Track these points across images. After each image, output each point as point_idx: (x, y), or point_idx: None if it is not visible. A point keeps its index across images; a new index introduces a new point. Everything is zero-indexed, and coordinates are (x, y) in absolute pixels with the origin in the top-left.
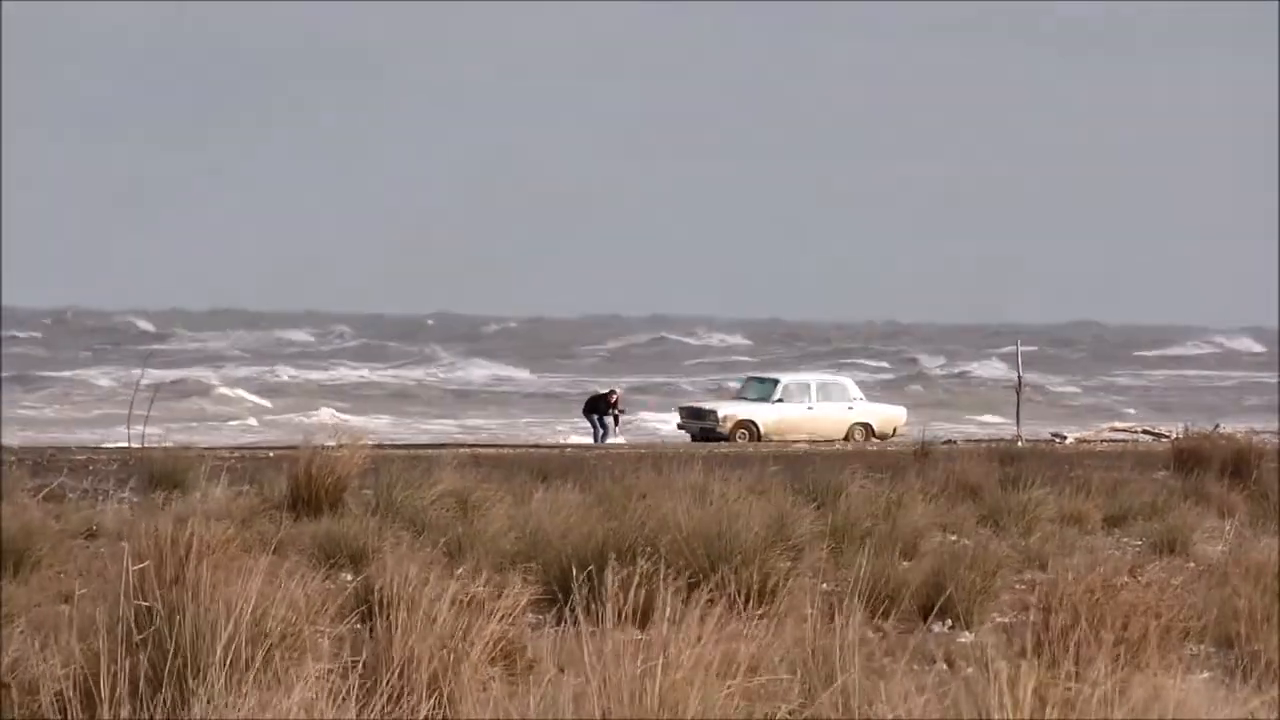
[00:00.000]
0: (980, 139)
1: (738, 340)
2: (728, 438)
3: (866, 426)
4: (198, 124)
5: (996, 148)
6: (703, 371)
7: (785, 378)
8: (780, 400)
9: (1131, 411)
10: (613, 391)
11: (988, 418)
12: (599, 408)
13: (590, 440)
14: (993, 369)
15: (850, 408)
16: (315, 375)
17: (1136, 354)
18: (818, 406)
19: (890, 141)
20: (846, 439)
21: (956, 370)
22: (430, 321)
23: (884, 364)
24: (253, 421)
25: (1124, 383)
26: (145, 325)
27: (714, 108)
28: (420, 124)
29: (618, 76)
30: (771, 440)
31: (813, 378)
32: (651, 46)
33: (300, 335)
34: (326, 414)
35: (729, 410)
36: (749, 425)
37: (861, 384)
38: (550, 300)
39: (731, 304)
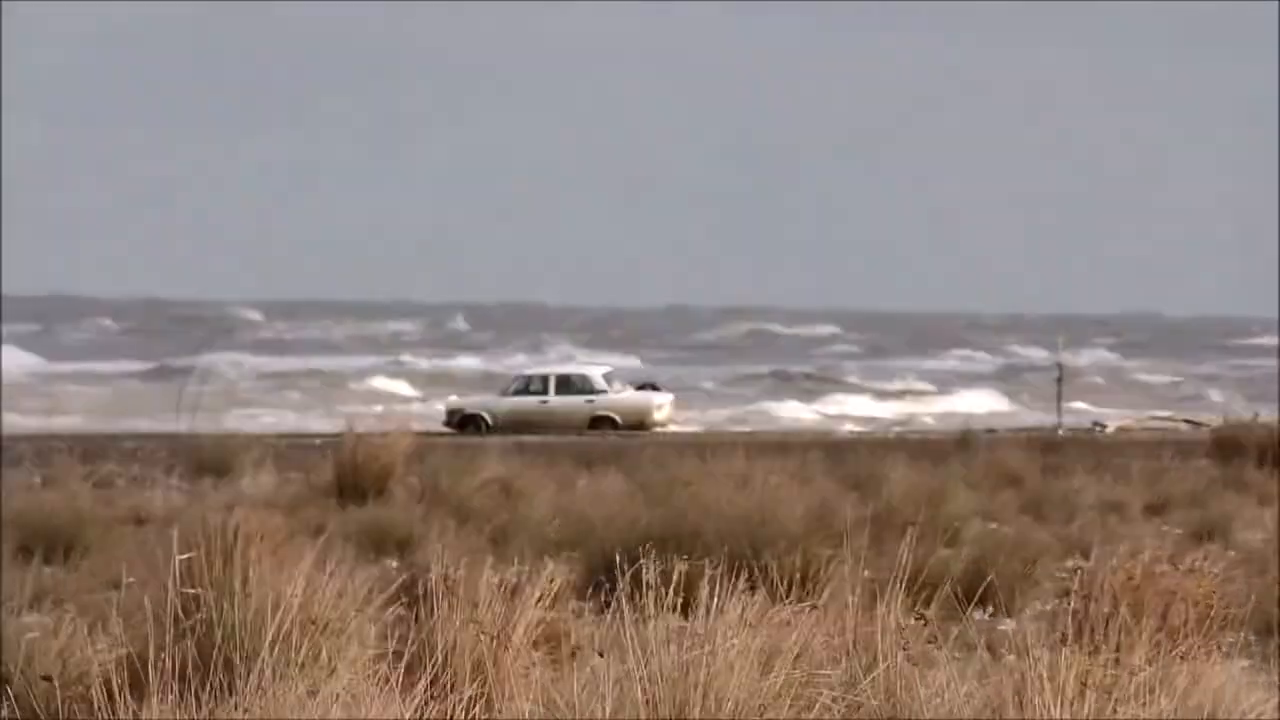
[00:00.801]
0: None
1: (831, 330)
2: (457, 428)
3: (609, 418)
4: (246, 112)
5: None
6: (796, 362)
7: (528, 371)
8: (516, 393)
9: (1218, 399)
10: (655, 385)
11: (1078, 404)
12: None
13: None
14: (1089, 357)
15: (590, 400)
16: (455, 364)
17: (1220, 342)
18: (554, 399)
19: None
20: (593, 427)
21: (1047, 360)
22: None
23: (981, 354)
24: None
25: (1211, 371)
26: (253, 315)
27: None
28: (483, 115)
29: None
30: (506, 432)
31: (553, 370)
32: (739, 43)
33: (408, 325)
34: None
35: (456, 402)
36: (476, 418)
37: (931, 373)
38: (624, 290)
39: (825, 295)
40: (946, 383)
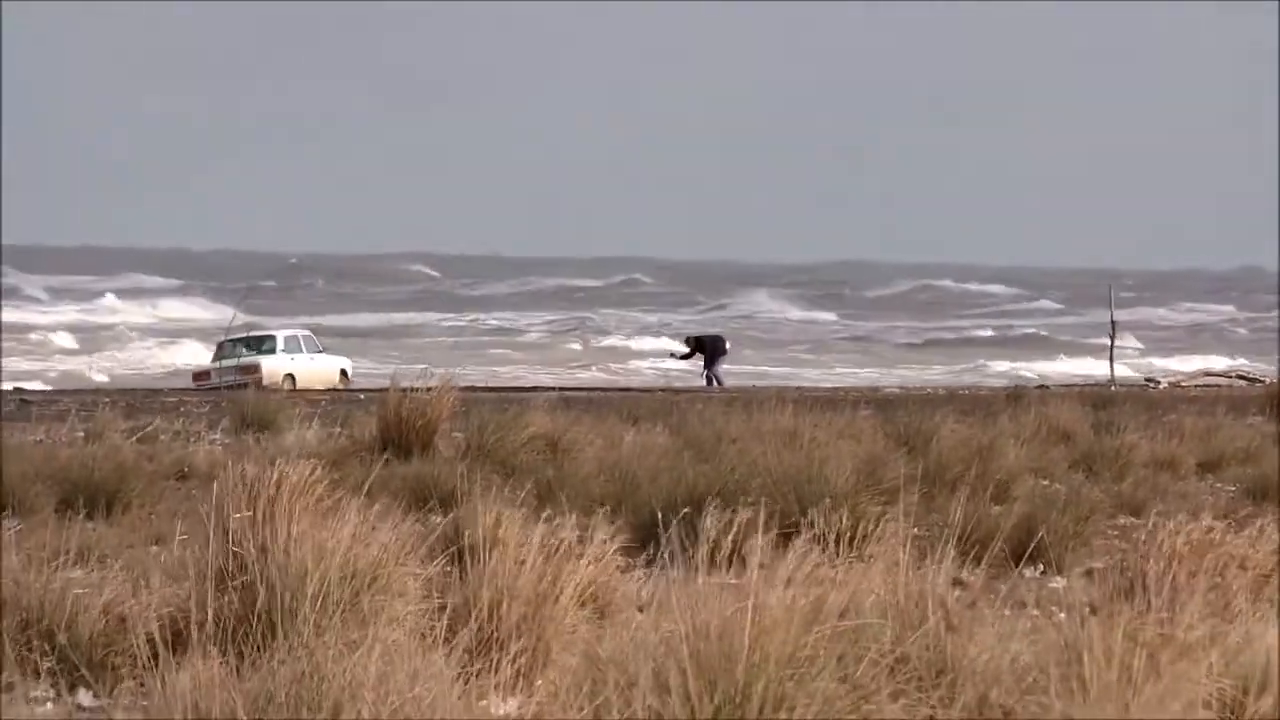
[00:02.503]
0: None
1: (1002, 288)
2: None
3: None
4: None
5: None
6: (970, 319)
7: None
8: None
9: None
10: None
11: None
12: (714, 349)
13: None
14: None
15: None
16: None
17: None
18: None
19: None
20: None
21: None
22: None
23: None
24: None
25: None
26: (430, 271)
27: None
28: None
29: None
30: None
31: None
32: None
33: (591, 282)
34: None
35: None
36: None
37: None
38: (815, 247)
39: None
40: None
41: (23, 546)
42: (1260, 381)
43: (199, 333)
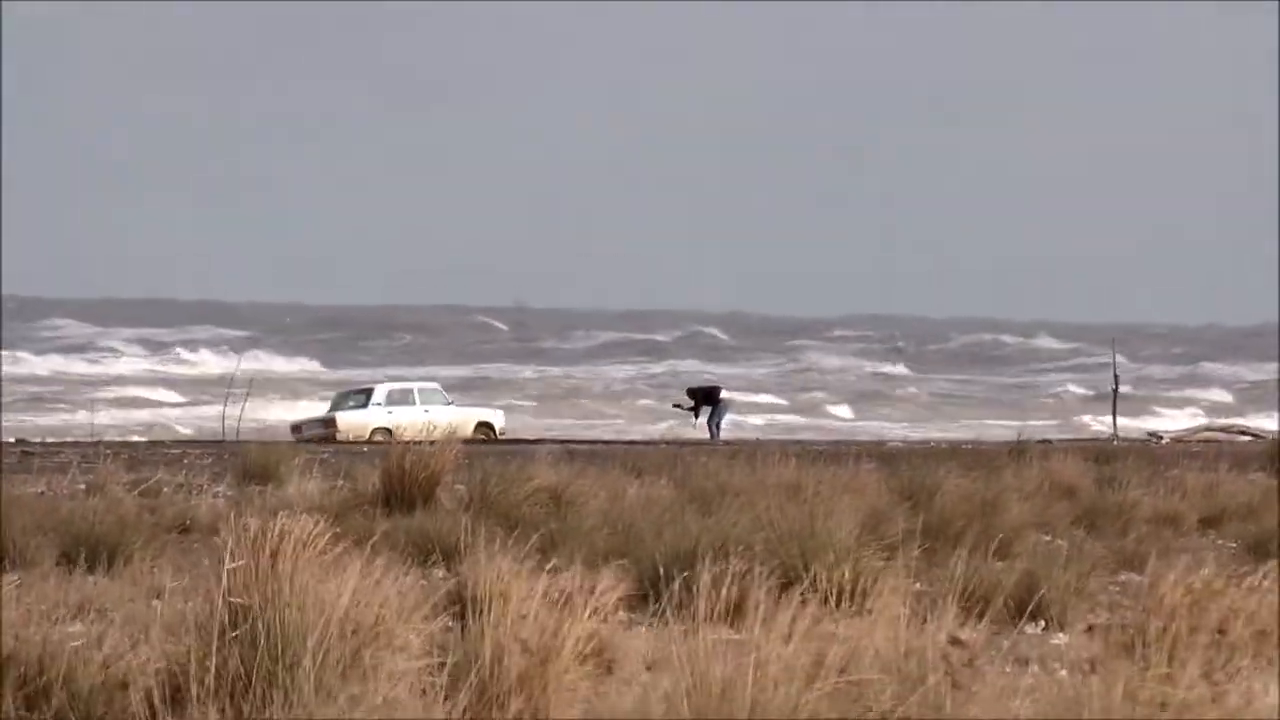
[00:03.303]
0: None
1: (1054, 343)
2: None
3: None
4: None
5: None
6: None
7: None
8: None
9: None
10: (718, 387)
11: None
12: (711, 398)
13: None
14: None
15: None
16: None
17: None
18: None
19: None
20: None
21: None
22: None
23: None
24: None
25: None
26: (498, 324)
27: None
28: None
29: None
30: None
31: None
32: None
33: (662, 337)
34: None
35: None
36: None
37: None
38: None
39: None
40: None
41: (23, 600)
42: (1261, 437)
43: (283, 386)
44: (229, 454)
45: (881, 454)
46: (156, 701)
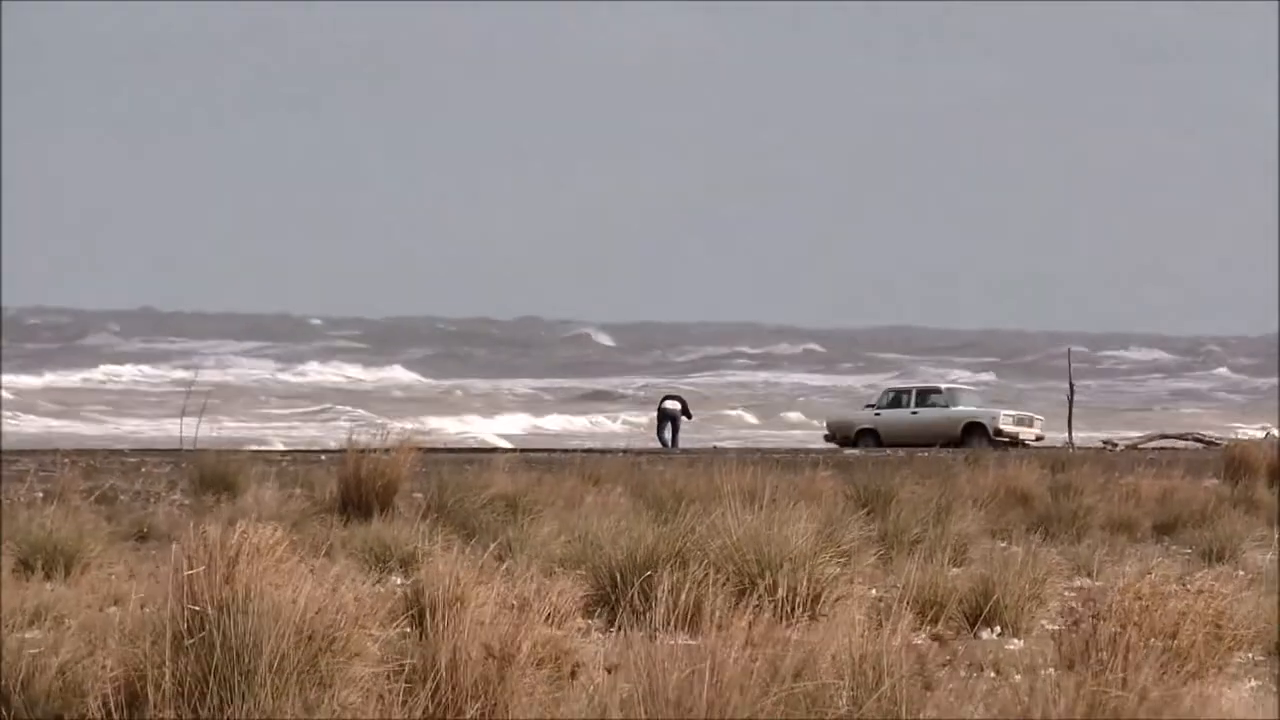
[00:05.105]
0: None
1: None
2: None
3: (978, 425)
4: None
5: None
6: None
7: (895, 385)
8: (888, 407)
9: None
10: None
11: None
12: (676, 413)
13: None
14: None
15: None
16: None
17: None
18: (922, 412)
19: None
20: (966, 437)
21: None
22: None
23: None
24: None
25: None
26: (605, 340)
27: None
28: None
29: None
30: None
31: (915, 385)
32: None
33: (750, 349)
34: None
35: (846, 417)
36: (871, 432)
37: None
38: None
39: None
40: None
41: None
42: (1216, 444)
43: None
44: (185, 463)
45: (838, 461)
46: (113, 708)
